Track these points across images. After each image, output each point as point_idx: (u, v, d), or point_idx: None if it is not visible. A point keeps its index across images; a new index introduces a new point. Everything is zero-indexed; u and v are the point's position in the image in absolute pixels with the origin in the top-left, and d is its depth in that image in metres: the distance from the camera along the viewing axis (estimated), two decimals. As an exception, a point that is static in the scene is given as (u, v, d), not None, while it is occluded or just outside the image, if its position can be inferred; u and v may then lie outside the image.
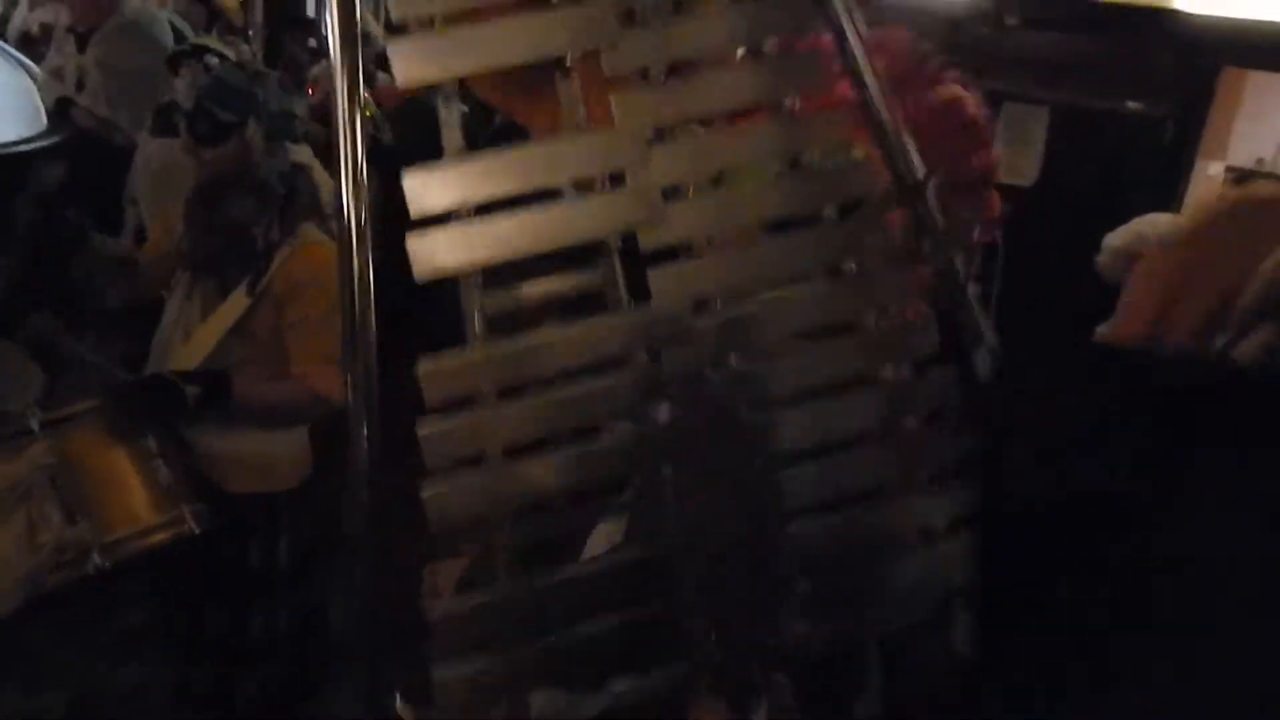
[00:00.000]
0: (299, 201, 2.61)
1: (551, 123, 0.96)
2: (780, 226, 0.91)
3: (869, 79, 1.00)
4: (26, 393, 2.51)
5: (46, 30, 5.87)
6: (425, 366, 0.80)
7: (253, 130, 2.53)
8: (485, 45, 0.85)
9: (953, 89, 1.40)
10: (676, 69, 0.96)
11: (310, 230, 2.59)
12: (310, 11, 9.40)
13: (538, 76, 0.89)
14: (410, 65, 0.82)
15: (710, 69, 0.99)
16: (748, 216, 0.91)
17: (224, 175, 2.51)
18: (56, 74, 5.10)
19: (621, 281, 0.88)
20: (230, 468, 2.52)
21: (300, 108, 3.30)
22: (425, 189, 0.81)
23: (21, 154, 4.37)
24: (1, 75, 5.26)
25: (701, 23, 1.00)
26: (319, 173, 2.89)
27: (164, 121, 3.72)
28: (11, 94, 5.01)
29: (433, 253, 0.81)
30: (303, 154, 2.91)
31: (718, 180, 0.94)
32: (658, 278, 0.85)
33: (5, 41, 6.41)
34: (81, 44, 4.92)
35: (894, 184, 0.94)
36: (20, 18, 6.84)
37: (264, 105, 2.59)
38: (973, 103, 1.41)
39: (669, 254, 0.89)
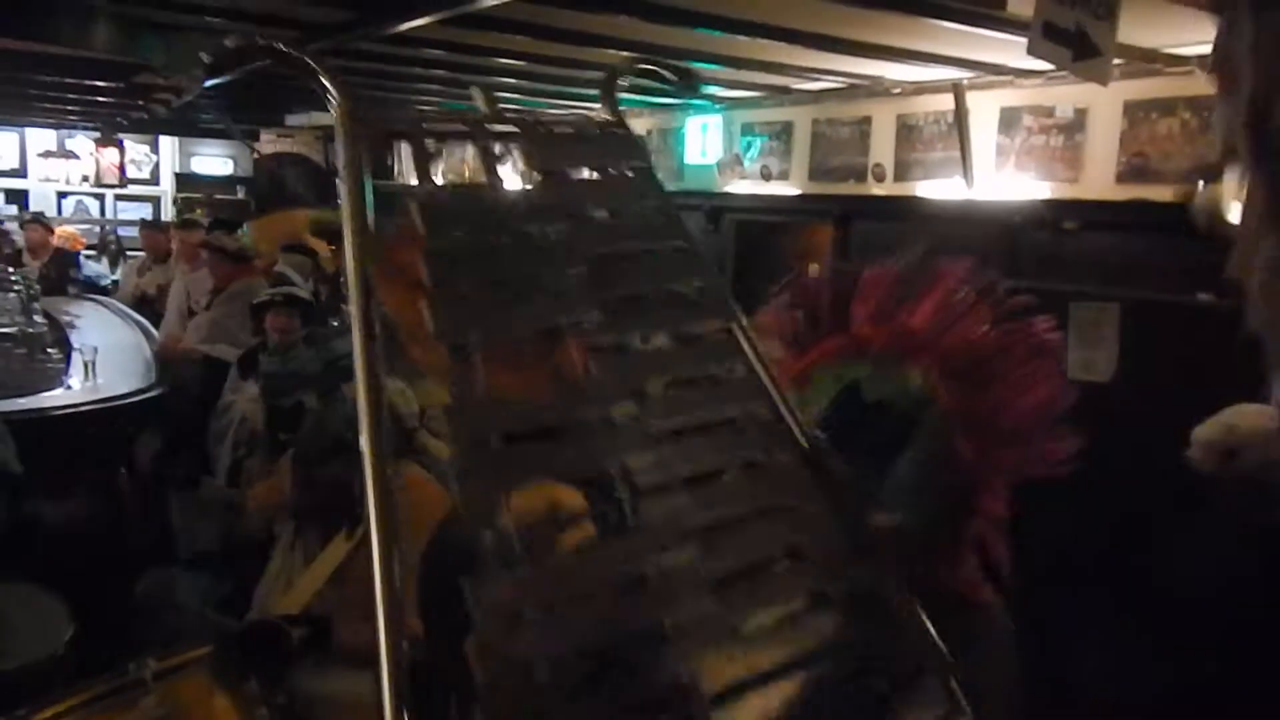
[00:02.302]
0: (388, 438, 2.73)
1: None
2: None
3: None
4: (57, 639, 2.56)
5: (162, 290, 6.38)
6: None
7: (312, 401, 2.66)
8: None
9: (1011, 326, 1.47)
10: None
11: (407, 468, 2.69)
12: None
13: None
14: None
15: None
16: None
17: (319, 438, 2.64)
18: (170, 328, 5.55)
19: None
20: (327, 709, 2.53)
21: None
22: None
23: (138, 403, 4.73)
24: (121, 333, 5.76)
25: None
26: (404, 402, 3.03)
27: (248, 367, 3.99)
28: (129, 349, 5.46)
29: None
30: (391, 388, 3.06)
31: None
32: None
33: (114, 300, 6.99)
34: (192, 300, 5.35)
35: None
36: (130, 283, 7.48)
37: (320, 373, 2.74)
38: (1029, 336, 1.47)
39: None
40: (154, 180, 11.30)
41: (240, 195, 10.78)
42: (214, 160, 11.47)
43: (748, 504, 1.12)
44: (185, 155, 11.37)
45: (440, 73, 5.59)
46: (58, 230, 8.87)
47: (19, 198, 10.56)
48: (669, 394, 1.24)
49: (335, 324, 4.09)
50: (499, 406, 1.15)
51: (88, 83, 6.28)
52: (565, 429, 1.19)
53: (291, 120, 8.24)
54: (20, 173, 10.58)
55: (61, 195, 10.78)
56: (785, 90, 5.53)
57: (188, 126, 10.12)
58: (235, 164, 11.44)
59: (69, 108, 8.35)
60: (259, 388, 2.79)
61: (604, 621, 1.01)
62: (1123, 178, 4.34)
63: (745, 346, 1.26)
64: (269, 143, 10.65)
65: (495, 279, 1.31)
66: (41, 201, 10.58)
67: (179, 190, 11.23)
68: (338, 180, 1.20)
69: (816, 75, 4.92)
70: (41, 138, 10.43)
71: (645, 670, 0.98)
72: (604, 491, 1.15)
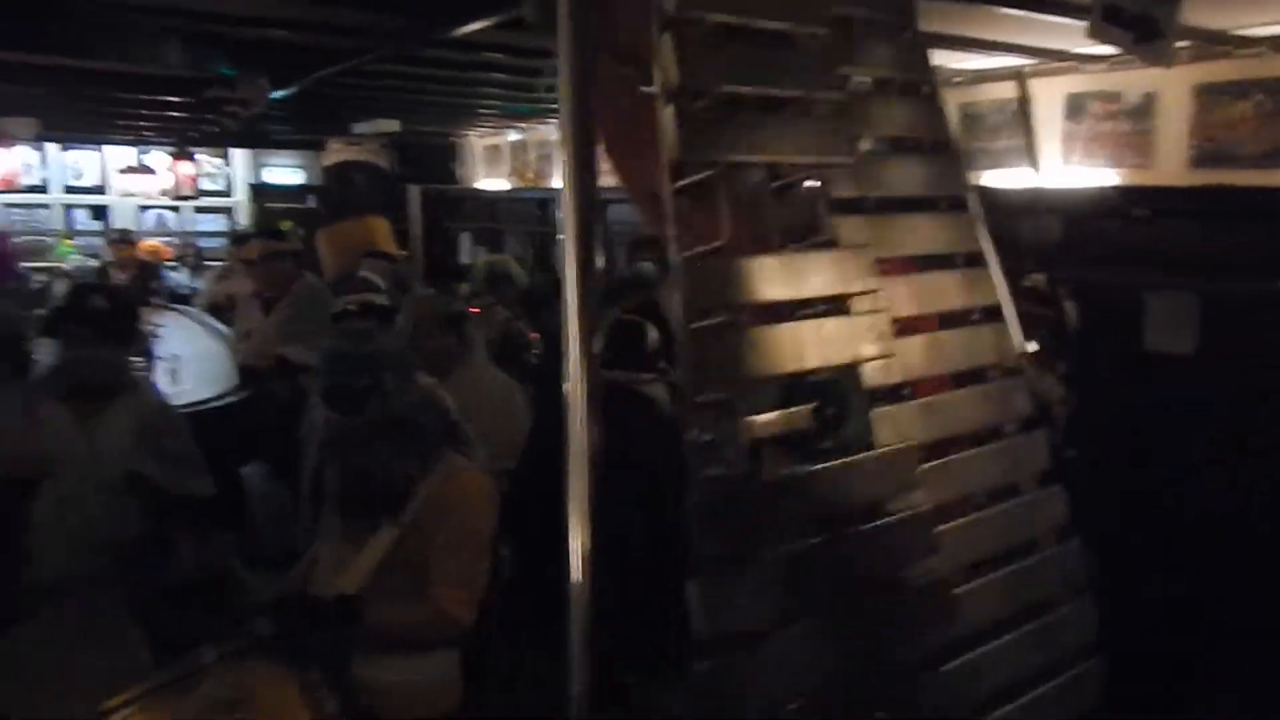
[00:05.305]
0: (433, 430, 2.78)
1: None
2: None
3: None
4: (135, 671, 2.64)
5: (231, 300, 6.56)
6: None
7: (389, 382, 2.70)
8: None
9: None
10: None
11: (451, 459, 2.74)
12: (464, 258, 10.27)
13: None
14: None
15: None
16: (950, 363, 1.01)
17: (371, 428, 2.68)
18: (245, 336, 5.70)
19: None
20: (384, 696, 2.58)
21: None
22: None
23: (220, 407, 4.89)
24: (203, 341, 5.94)
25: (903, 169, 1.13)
26: (444, 396, 3.08)
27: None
28: (211, 357, 5.63)
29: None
30: (425, 380, 3.12)
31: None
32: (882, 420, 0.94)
33: (195, 310, 7.21)
34: (266, 309, 5.48)
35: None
36: (208, 290, 7.72)
37: (389, 359, 2.77)
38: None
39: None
40: (227, 192, 11.62)
41: (311, 204, 11.02)
42: (286, 170, 11.77)
43: (974, 424, 1.03)
44: (258, 166, 11.68)
45: (500, 76, 5.66)
46: (143, 244, 9.20)
47: (102, 213, 10.95)
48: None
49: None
50: (734, 265, 1.03)
51: (162, 99, 6.49)
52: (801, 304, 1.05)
53: (358, 128, 8.39)
54: (102, 189, 10.96)
55: (142, 209, 11.15)
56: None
57: (257, 138, 10.39)
58: (306, 173, 11.72)
59: (145, 124, 8.64)
60: (322, 364, 2.82)
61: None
62: (1197, 163, 4.22)
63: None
64: (336, 151, 10.88)
65: (742, 80, 1.18)
66: (123, 215, 10.96)
67: (253, 200, 11.55)
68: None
69: (876, 67, 4.86)
70: (121, 154, 10.79)
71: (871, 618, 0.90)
72: (831, 390, 1.06)
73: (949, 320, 1.87)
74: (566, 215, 1.29)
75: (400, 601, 2.58)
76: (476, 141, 10.40)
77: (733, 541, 1.40)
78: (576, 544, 1.41)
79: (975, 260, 1.92)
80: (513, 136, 9.62)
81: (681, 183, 1.30)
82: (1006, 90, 4.86)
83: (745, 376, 1.31)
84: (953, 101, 5.25)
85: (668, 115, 1.19)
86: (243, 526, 4.53)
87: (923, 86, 1.86)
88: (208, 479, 3.34)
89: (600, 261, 1.42)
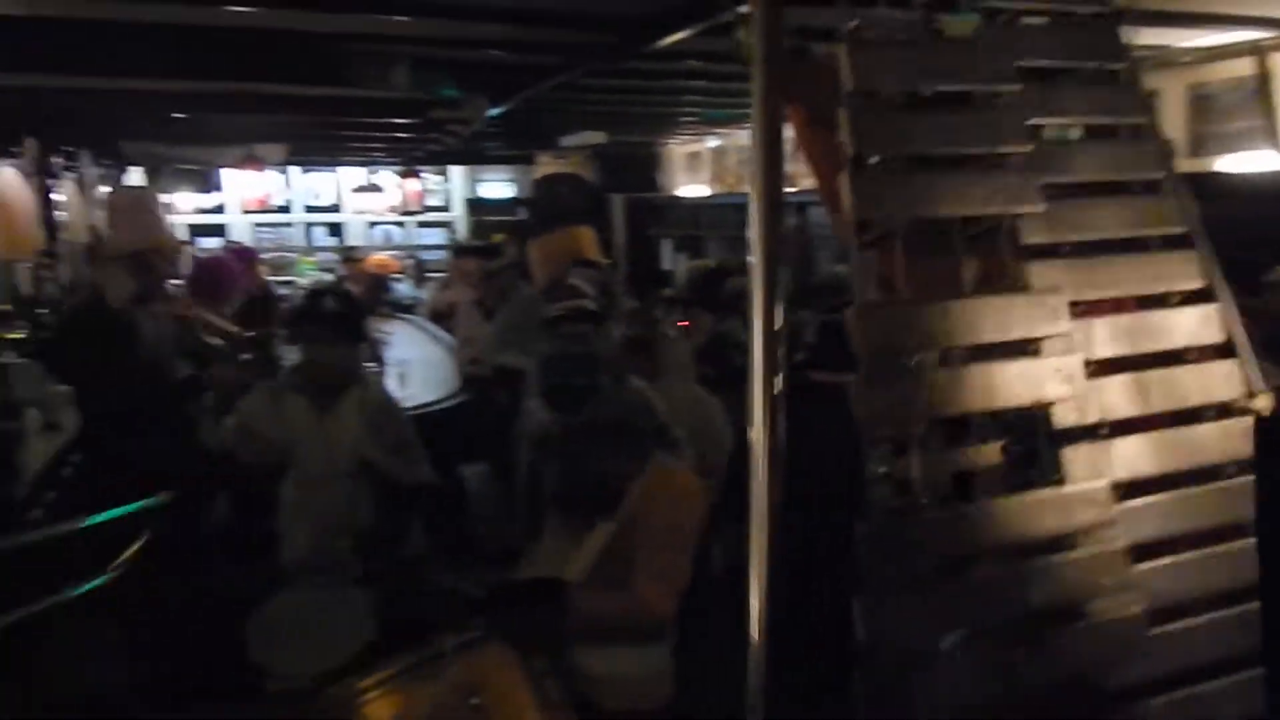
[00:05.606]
0: (646, 431, 2.88)
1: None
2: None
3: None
4: (357, 641, 2.87)
5: (452, 308, 6.97)
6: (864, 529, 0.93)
7: (605, 383, 2.82)
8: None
9: None
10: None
11: (661, 458, 2.83)
12: (666, 265, 10.47)
13: None
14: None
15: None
16: (1159, 403, 0.99)
17: (590, 427, 2.80)
18: (466, 343, 6.05)
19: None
20: (598, 685, 2.69)
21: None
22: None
23: (443, 410, 5.23)
24: (427, 347, 6.37)
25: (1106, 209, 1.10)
26: (655, 397, 3.16)
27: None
28: (434, 362, 6.04)
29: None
30: (637, 382, 3.22)
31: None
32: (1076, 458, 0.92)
33: (420, 318, 7.72)
34: (487, 316, 5.81)
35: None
36: (431, 299, 8.24)
37: (604, 361, 2.88)
38: None
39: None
40: (446, 207, 12.36)
41: (522, 216, 11.53)
42: (499, 185, 12.39)
43: (1180, 462, 1.01)
44: (473, 182, 12.35)
45: (700, 83, 5.75)
46: (372, 258, 9.95)
47: (337, 230, 11.89)
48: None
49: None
50: (912, 311, 1.10)
51: (390, 121, 6.99)
52: (986, 347, 1.09)
53: (565, 141, 8.73)
54: (337, 207, 11.90)
55: (371, 225, 12.03)
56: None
57: (474, 155, 10.98)
58: (517, 187, 12.28)
59: (375, 145, 9.32)
60: (542, 366, 2.98)
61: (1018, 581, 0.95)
62: None
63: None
64: (544, 165, 11.34)
65: (921, 144, 1.26)
66: (355, 231, 11.87)
67: (470, 214, 12.23)
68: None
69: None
70: (353, 175, 11.67)
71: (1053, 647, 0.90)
72: (1021, 428, 1.09)
73: (1162, 359, 1.77)
74: (754, 218, 1.37)
75: (606, 592, 2.69)
76: (677, 149, 10.58)
77: (900, 567, 1.42)
78: (757, 542, 1.45)
79: (1198, 297, 1.81)
80: (713, 142, 9.73)
81: (865, 238, 1.35)
82: (1243, 67, 4.50)
83: (922, 415, 1.35)
84: (1180, 83, 4.92)
85: (848, 179, 1.25)
86: (462, 523, 4.81)
87: (1117, 70, 1.77)
88: (429, 469, 3.60)
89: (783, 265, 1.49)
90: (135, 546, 3.23)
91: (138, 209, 6.05)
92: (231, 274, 5.87)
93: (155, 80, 4.92)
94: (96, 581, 3.14)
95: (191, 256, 7.71)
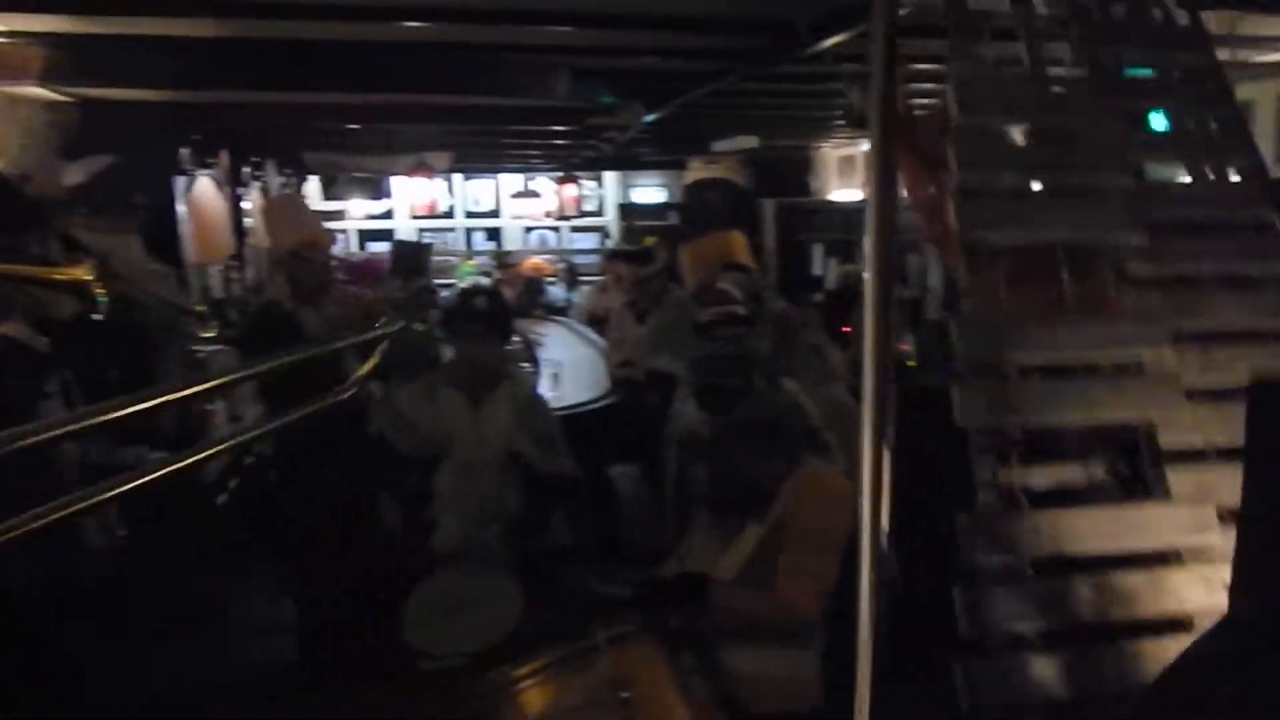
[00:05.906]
0: (797, 433, 2.88)
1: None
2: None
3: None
4: (508, 624, 2.97)
5: (607, 311, 7.12)
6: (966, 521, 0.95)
7: (757, 384, 2.83)
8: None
9: None
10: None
11: (811, 462, 2.83)
12: (816, 270, 10.36)
13: None
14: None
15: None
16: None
17: (743, 428, 2.83)
18: (617, 345, 6.17)
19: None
20: (743, 685, 2.71)
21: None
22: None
23: (594, 410, 5.36)
24: (580, 349, 6.54)
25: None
26: (807, 401, 3.16)
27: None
28: (586, 364, 6.19)
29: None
30: (790, 385, 3.22)
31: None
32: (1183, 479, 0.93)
33: (572, 320, 7.91)
34: (640, 319, 5.91)
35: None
36: (586, 302, 8.43)
37: (757, 363, 2.89)
38: None
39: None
40: (600, 212, 12.59)
41: (673, 220, 11.64)
42: (651, 190, 12.53)
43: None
44: (626, 187, 12.54)
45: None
46: (527, 261, 10.25)
47: (495, 234, 12.29)
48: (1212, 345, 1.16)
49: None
50: (1014, 326, 1.15)
51: (549, 128, 7.19)
52: (1085, 367, 1.14)
53: (717, 146, 8.77)
54: (496, 213, 12.30)
55: (528, 230, 12.38)
56: (1242, 64, 4.92)
57: (628, 160, 11.15)
58: (669, 192, 12.40)
59: (533, 152, 9.60)
60: (695, 368, 3.02)
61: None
62: None
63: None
64: (696, 169, 11.41)
65: (1027, 175, 1.34)
66: (512, 236, 12.25)
67: (622, 219, 12.43)
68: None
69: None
70: (511, 181, 12.05)
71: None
72: (1123, 449, 1.11)
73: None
74: (869, 224, 1.41)
75: (753, 591, 2.71)
76: (830, 153, 10.46)
77: (997, 562, 1.45)
78: (866, 538, 1.47)
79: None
80: (866, 146, 9.54)
81: (972, 263, 1.41)
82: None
83: (1017, 427, 1.38)
84: (1269, 94, 4.65)
85: (954, 210, 1.31)
86: (610, 522, 4.91)
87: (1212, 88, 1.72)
88: (572, 463, 3.71)
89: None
90: (370, 364, 3.32)
91: (287, 211, 6.51)
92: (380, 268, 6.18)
93: (334, 94, 5.22)
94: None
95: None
